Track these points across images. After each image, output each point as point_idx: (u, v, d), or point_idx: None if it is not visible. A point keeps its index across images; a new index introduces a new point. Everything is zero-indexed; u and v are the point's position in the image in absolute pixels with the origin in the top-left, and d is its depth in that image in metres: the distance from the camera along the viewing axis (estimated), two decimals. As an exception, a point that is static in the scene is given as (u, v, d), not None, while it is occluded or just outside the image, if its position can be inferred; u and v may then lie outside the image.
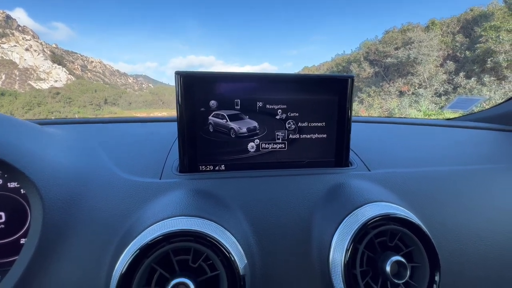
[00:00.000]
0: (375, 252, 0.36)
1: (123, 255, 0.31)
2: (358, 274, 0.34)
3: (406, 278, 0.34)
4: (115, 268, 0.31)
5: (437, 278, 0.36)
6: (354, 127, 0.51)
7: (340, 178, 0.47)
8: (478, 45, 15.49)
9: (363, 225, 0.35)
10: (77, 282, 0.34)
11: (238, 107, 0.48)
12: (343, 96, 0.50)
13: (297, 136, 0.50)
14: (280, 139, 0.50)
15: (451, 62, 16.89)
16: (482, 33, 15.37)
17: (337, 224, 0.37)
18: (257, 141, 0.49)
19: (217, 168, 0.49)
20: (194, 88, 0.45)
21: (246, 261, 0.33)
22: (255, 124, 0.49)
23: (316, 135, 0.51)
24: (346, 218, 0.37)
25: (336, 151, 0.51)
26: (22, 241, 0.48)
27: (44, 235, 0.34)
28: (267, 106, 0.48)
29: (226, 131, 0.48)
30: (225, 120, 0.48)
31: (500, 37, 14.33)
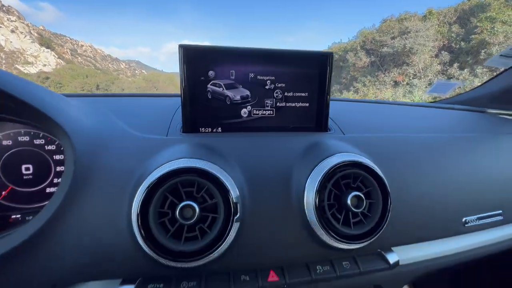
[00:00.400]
0: (341, 191, 0.46)
1: (141, 186, 0.40)
2: (325, 206, 0.44)
3: (362, 208, 0.43)
4: (135, 197, 0.40)
5: (387, 212, 0.46)
6: (338, 105, 0.59)
7: (318, 137, 0.56)
8: (473, 36, 15.57)
9: (331, 168, 0.44)
10: (102, 214, 0.42)
11: (233, 77, 0.55)
12: (324, 70, 0.58)
13: (283, 104, 0.58)
14: (269, 106, 0.58)
15: (446, 52, 16.99)
16: (478, 24, 15.42)
17: (310, 170, 0.47)
18: (249, 107, 0.57)
19: (214, 130, 0.57)
20: (195, 59, 0.53)
21: (238, 193, 0.43)
22: (247, 92, 0.57)
23: (300, 104, 0.59)
24: (318, 164, 0.47)
25: (317, 118, 0.60)
26: (48, 190, 0.56)
27: (75, 177, 0.41)
28: (258, 77, 0.56)
29: (222, 98, 0.56)
30: (222, 89, 0.56)
31: (495, 28, 14.42)
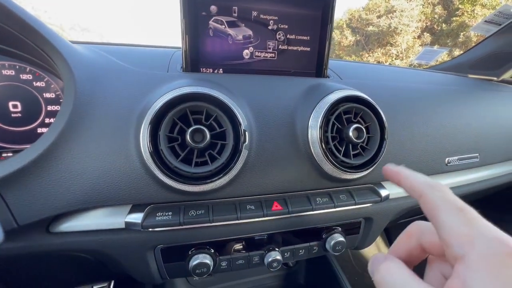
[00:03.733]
0: (343, 125, 0.48)
1: (149, 110, 0.39)
2: (329, 137, 0.46)
3: (363, 138, 0.46)
4: (143, 122, 0.39)
5: (383, 145, 0.49)
6: (335, 61, 0.59)
7: (319, 81, 0.57)
8: (454, 18, 15.88)
9: (334, 101, 0.46)
10: (108, 141, 0.40)
11: (236, 14, 0.53)
12: (326, 12, 0.57)
13: (285, 47, 0.58)
14: (271, 48, 0.58)
15: (428, 34, 17.29)
16: (460, 5, 15.67)
17: (314, 105, 0.48)
18: (251, 48, 0.56)
19: (215, 71, 0.56)
20: (196, -9, 0.50)
21: (246, 122, 0.43)
22: (250, 32, 0.55)
23: (302, 48, 0.59)
24: (322, 100, 0.48)
25: (317, 64, 0.61)
26: (39, 130, 0.53)
27: (75, 106, 0.39)
28: (261, 16, 0.55)
29: (224, 37, 0.54)
30: (224, 26, 0.54)
31: (475, 11, 14.75)
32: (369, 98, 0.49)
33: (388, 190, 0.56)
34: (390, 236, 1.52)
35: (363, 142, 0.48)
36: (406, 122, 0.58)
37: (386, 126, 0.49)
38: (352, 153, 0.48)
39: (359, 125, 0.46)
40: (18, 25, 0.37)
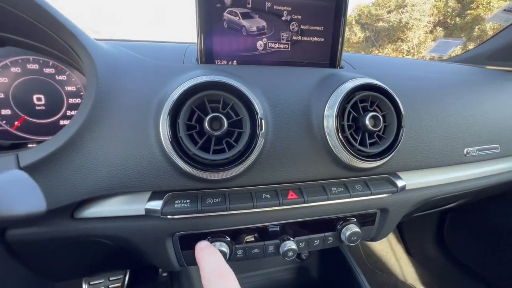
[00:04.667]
0: (359, 114, 0.48)
1: (168, 99, 0.40)
2: (345, 125, 0.46)
3: (380, 127, 0.46)
4: (163, 110, 0.40)
5: (400, 133, 0.48)
6: (347, 54, 0.58)
7: (332, 71, 0.56)
8: (468, 11, 15.35)
9: (350, 89, 0.46)
10: (129, 130, 0.41)
11: (250, 5, 0.54)
12: (340, 2, 0.57)
13: (299, 38, 0.58)
14: (285, 39, 0.58)
15: (441, 28, 16.78)
16: (475, -2, 15.12)
17: (330, 93, 0.48)
18: (264, 40, 0.57)
19: (229, 63, 0.56)
20: (211, -17, 0.50)
21: (263, 111, 0.44)
22: (264, 23, 0.56)
23: (315, 38, 0.59)
24: (337, 88, 0.48)
25: (331, 54, 0.60)
26: (62, 122, 0.55)
27: (98, 96, 0.40)
28: (275, 6, 0.55)
29: (238, 28, 0.55)
30: (238, 18, 0.54)
31: (491, 3, 14.21)
32: (385, 86, 0.48)
33: (405, 181, 0.55)
34: (402, 231, 1.50)
35: (379, 130, 0.47)
36: (423, 112, 0.57)
37: (403, 114, 0.48)
38: (368, 142, 0.47)
39: (376, 113, 0.46)
40: (43, 19, 0.39)
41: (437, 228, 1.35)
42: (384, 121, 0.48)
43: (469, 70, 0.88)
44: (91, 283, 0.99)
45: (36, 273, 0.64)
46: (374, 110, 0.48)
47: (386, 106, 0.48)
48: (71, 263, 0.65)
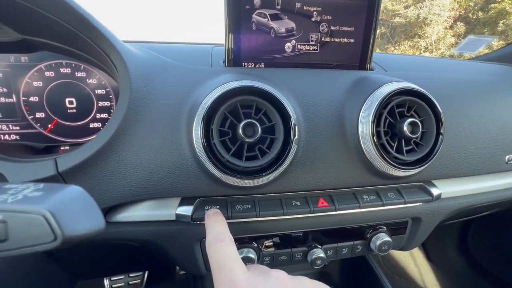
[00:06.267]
0: (395, 120, 0.45)
1: (201, 104, 0.39)
2: (381, 132, 0.44)
3: (418, 133, 0.43)
4: (196, 116, 0.39)
5: (439, 140, 0.46)
6: (379, 55, 0.55)
7: (364, 74, 0.54)
8: (492, 5, 14.57)
9: (387, 94, 0.43)
10: (161, 136, 0.41)
11: (279, 7, 0.52)
12: (372, 1, 0.54)
13: (328, 39, 0.56)
14: (314, 41, 0.56)
15: (462, 24, 16.03)
16: (499, -9, 14.32)
17: (364, 98, 0.46)
18: (293, 41, 0.55)
19: (257, 66, 0.55)
20: (241, -15, 0.49)
21: (296, 116, 0.42)
22: (293, 25, 0.54)
23: (345, 39, 0.56)
24: (373, 93, 0.46)
25: (361, 56, 0.58)
26: (92, 125, 0.56)
27: (131, 102, 0.40)
28: (305, 7, 0.53)
29: (267, 30, 0.53)
30: (267, 19, 0.53)
31: (517, -4, 13.41)
32: (424, 91, 0.46)
33: (440, 189, 0.53)
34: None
35: (417, 137, 0.45)
36: (460, 116, 0.54)
37: (443, 120, 0.46)
38: (405, 149, 0.45)
39: (415, 119, 0.43)
40: (77, 22, 0.39)
41: (460, 234, 1.30)
42: (422, 127, 0.46)
43: (505, 70, 0.82)
44: (112, 278, 1.02)
45: (64, 269, 0.66)
46: (412, 116, 0.46)
47: (425, 112, 0.46)
48: (97, 262, 0.67)
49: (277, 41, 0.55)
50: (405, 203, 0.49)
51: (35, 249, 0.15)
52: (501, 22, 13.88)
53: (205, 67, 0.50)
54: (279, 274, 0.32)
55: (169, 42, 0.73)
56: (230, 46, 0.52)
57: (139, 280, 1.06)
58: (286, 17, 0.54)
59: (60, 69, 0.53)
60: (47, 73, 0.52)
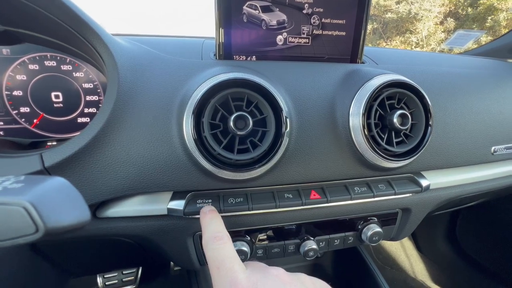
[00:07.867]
0: (385, 112, 0.46)
1: (191, 97, 0.39)
2: (372, 124, 0.44)
3: (408, 125, 0.44)
4: (186, 109, 0.39)
5: (428, 132, 0.47)
6: (371, 49, 0.55)
7: (355, 66, 0.54)
8: (481, 1, 14.81)
9: (377, 86, 0.44)
10: (151, 130, 0.40)
11: (270, -2, 0.52)
12: (364, -7, 0.54)
13: (320, 32, 0.56)
14: (305, 33, 0.56)
15: (452, 19, 16.26)
16: (488, -13, 14.56)
17: (355, 91, 0.46)
18: (284, 34, 0.55)
19: (249, 58, 0.55)
20: (231, -25, 0.48)
21: (287, 109, 0.42)
22: (284, 17, 0.54)
23: (337, 32, 0.56)
24: (363, 85, 0.46)
25: (353, 49, 0.58)
26: (79, 120, 0.55)
27: (119, 96, 0.39)
28: (296, -1, 0.53)
29: (258, 23, 0.53)
30: (258, 11, 0.52)
31: (505, -7, 13.66)
32: (414, 83, 0.46)
33: (429, 180, 0.54)
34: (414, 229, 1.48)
35: (406, 129, 0.45)
36: (449, 109, 0.55)
37: (431, 112, 0.46)
38: (395, 140, 0.46)
39: (404, 111, 0.44)
40: (61, 12, 0.38)
41: (448, 224, 1.34)
42: (412, 119, 0.46)
43: (493, 64, 0.84)
44: (105, 276, 1.01)
45: (55, 267, 0.65)
46: (402, 108, 0.46)
47: (414, 104, 0.47)
48: (89, 259, 0.66)
49: (268, 34, 0.54)
50: (395, 194, 0.50)
51: (17, 241, 0.15)
52: (490, 18, 14.14)
53: (195, 59, 0.50)
54: (278, 271, 0.32)
55: (159, 36, 0.72)
56: (220, 39, 0.51)
57: (132, 277, 1.06)
58: (277, 9, 0.53)
59: (45, 62, 0.51)
60: (31, 66, 0.50)
